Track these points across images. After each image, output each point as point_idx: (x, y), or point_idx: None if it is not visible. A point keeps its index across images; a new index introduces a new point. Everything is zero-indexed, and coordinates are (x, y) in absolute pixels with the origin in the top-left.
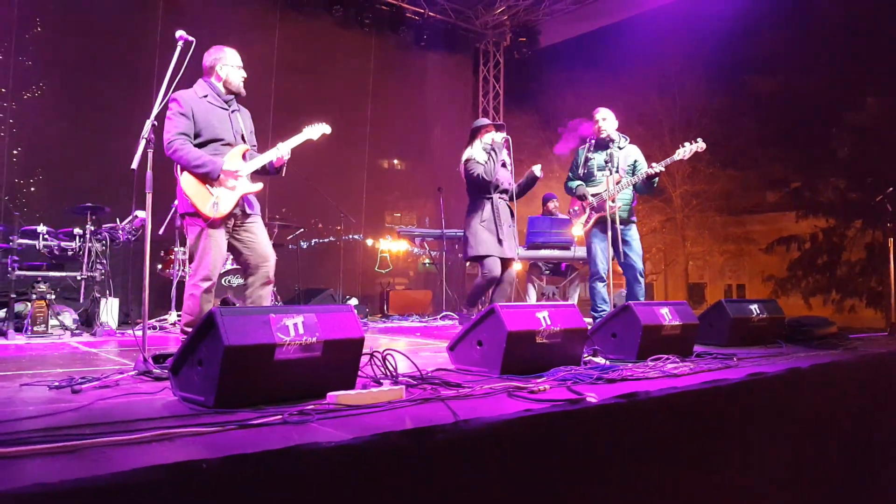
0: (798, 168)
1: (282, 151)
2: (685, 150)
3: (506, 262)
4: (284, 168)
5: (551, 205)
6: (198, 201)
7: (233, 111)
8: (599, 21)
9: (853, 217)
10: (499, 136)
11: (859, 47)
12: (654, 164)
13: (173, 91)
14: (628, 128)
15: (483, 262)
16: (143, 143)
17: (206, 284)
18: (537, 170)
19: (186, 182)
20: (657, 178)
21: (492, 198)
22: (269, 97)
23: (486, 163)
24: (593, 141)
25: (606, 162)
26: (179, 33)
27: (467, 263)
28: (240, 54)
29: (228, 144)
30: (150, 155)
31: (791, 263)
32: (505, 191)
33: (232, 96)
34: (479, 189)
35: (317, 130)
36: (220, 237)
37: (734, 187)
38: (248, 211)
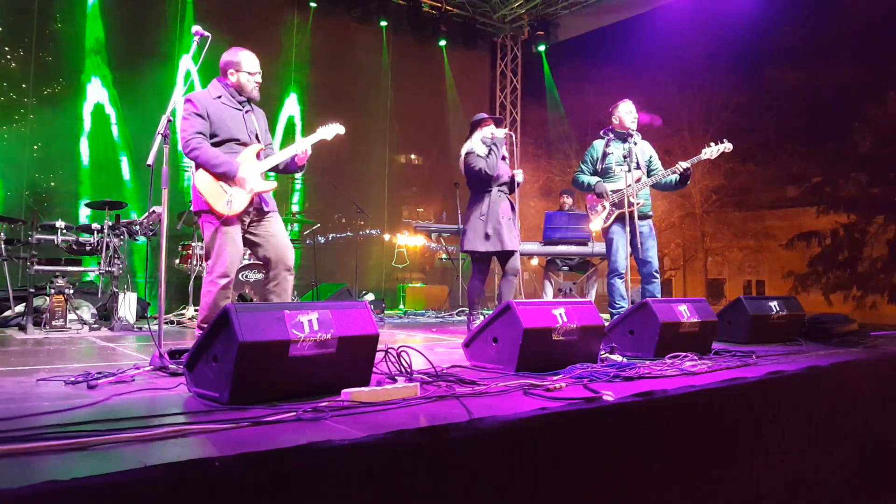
0: (819, 163)
1: (300, 148)
2: (712, 150)
3: (507, 255)
4: (305, 166)
5: (565, 199)
6: (212, 199)
7: (246, 111)
8: (618, 15)
9: (875, 212)
10: (500, 132)
11: (882, 41)
12: (681, 163)
13: (186, 91)
14: (648, 122)
15: (475, 262)
16: (158, 138)
17: (223, 281)
18: (519, 174)
19: (201, 180)
20: (690, 177)
21: (490, 191)
22: (288, 92)
23: (487, 157)
24: (612, 134)
25: (625, 157)
26: (195, 28)
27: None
28: (258, 49)
29: (243, 144)
30: (165, 150)
31: (811, 259)
32: (505, 183)
33: (245, 98)
34: (480, 183)
35: (331, 130)
36: (235, 234)
37: (754, 182)
38: (264, 209)
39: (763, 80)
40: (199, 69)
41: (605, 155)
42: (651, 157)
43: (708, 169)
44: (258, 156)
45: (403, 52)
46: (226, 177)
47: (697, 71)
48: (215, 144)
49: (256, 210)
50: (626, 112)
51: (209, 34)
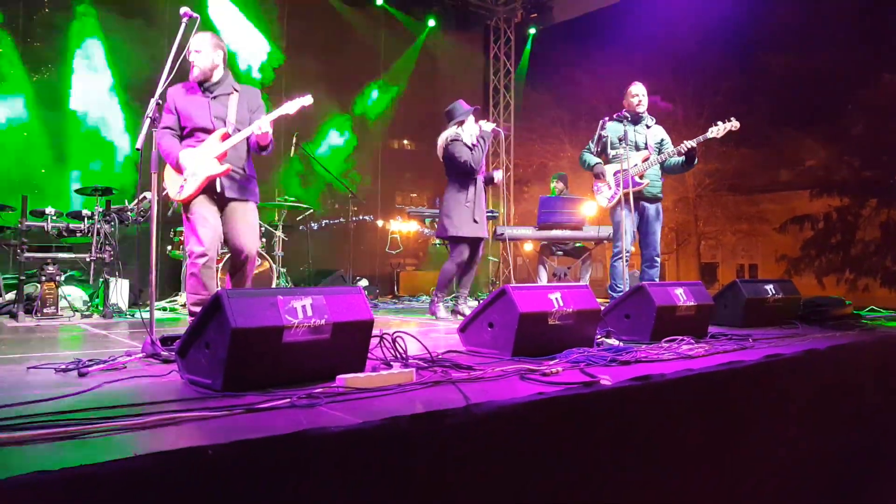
0: (812, 146)
1: (255, 127)
2: (718, 129)
3: (479, 243)
4: (271, 146)
5: (556, 184)
6: (168, 186)
7: (215, 96)
8: None
9: (867, 196)
10: (488, 126)
11: (874, 23)
12: (686, 142)
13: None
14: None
15: (456, 247)
16: (147, 122)
17: (202, 260)
18: (498, 175)
19: (166, 170)
20: (697, 159)
21: (476, 179)
22: (281, 76)
23: (473, 149)
24: (626, 116)
25: (620, 139)
26: (184, 9)
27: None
28: (249, 32)
29: (206, 130)
30: (154, 134)
31: (804, 243)
32: (480, 173)
33: (215, 82)
34: (462, 171)
35: (294, 104)
36: (204, 212)
37: (747, 166)
38: (226, 195)
39: (756, 63)
40: (185, 52)
41: (599, 137)
42: (663, 140)
43: (702, 153)
44: (223, 139)
45: (396, 34)
46: (169, 164)
47: (690, 55)
48: (186, 135)
49: (219, 195)
50: (632, 95)
51: (198, 15)
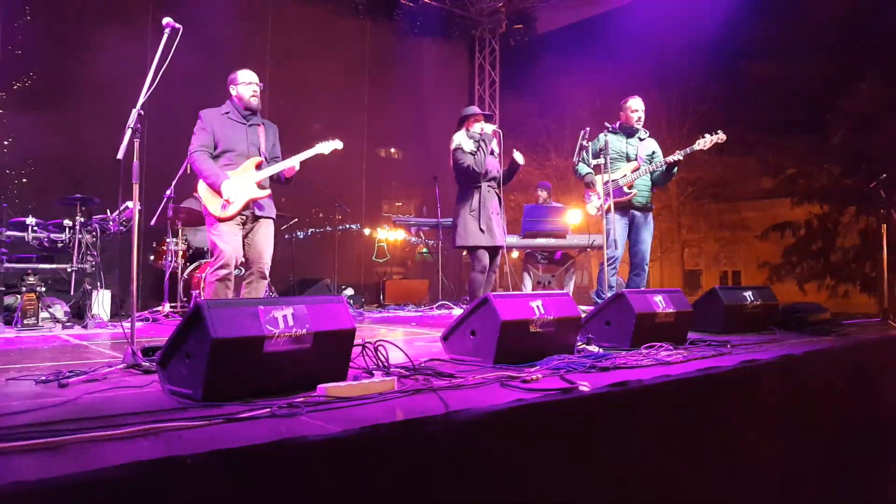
0: (793, 154)
1: (290, 164)
2: (705, 141)
3: (493, 251)
4: (293, 179)
5: (539, 193)
6: (209, 204)
7: (251, 125)
8: (596, 8)
9: (847, 203)
10: (489, 128)
11: (854, 33)
12: (675, 154)
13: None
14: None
15: (473, 254)
16: (129, 133)
17: (222, 273)
18: (519, 157)
19: (201, 187)
20: (676, 168)
21: (480, 186)
22: (265, 85)
23: (475, 154)
24: (618, 128)
25: (600, 150)
26: (166, 20)
27: (464, 253)
28: (233, 41)
29: (242, 155)
30: (136, 145)
31: (785, 250)
32: (493, 178)
33: (250, 112)
34: (468, 178)
35: (328, 146)
36: (229, 231)
37: (730, 174)
38: (257, 213)
39: (739, 73)
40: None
41: (606, 146)
42: (654, 152)
43: (685, 161)
44: (258, 166)
45: (381, 44)
46: (213, 187)
47: (674, 64)
48: (219, 154)
49: (252, 214)
50: (632, 110)
51: (180, 26)
